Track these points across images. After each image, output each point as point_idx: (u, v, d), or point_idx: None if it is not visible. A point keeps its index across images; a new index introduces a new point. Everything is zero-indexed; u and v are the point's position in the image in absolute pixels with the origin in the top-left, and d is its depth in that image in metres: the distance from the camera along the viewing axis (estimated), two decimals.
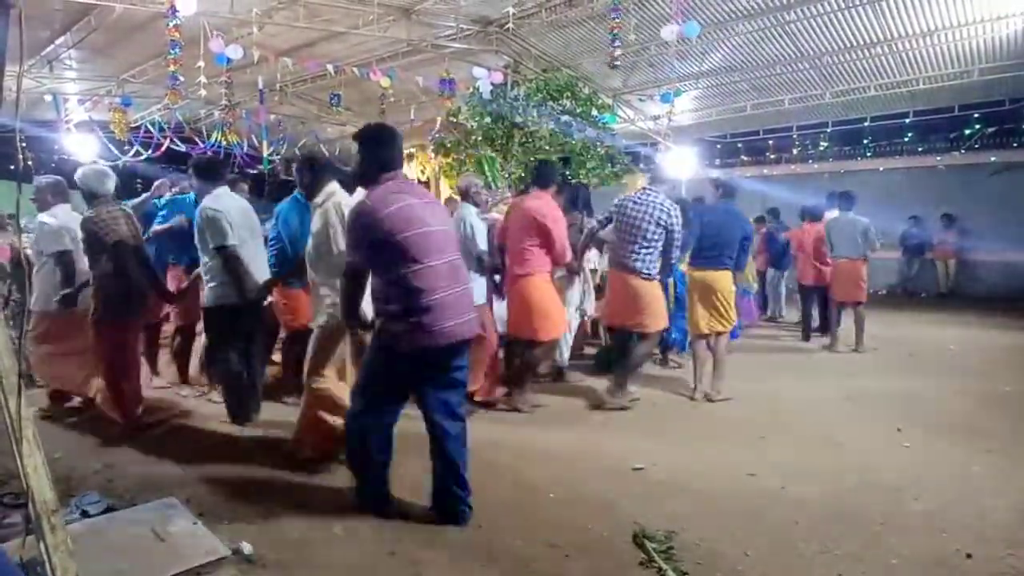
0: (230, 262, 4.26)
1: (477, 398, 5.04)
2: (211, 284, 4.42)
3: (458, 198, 5.53)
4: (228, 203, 4.39)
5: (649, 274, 5.10)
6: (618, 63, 8.46)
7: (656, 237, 5.03)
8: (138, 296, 4.54)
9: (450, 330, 2.98)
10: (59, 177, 5.02)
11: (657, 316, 5.20)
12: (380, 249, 2.92)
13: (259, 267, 4.53)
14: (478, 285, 4.89)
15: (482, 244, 4.99)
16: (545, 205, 5.02)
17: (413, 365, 3.05)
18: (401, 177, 3.13)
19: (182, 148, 13.72)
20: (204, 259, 4.42)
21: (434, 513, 3.20)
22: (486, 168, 9.37)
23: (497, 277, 5.44)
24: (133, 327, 4.66)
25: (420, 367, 3.08)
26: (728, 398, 5.45)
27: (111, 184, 4.61)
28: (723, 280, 5.48)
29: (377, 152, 3.09)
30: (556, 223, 4.96)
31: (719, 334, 5.56)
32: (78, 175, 4.63)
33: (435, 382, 3.13)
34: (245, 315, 4.44)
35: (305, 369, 3.93)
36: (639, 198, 5.15)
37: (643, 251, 5.06)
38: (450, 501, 3.18)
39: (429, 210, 3.06)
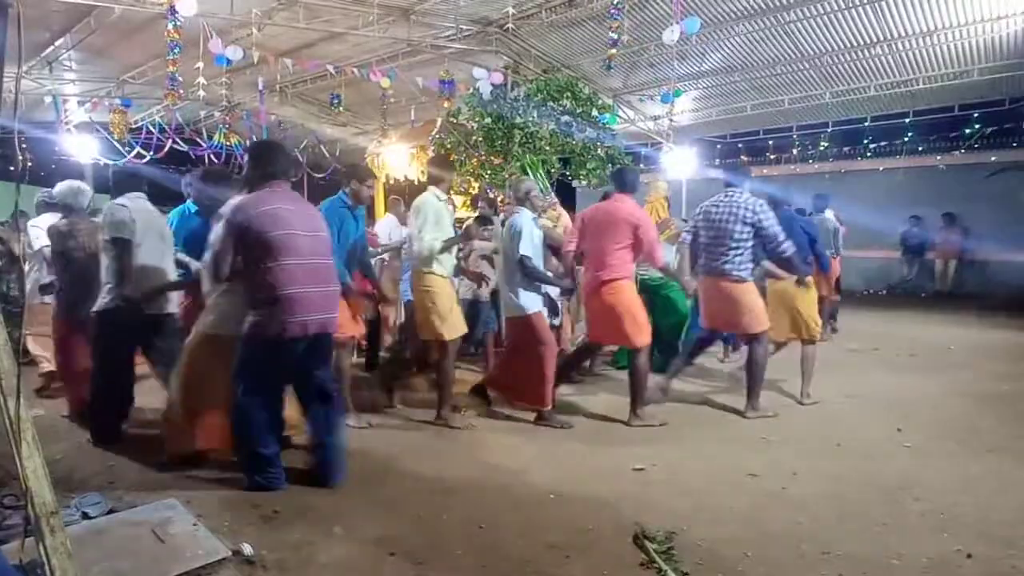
0: (121, 257, 4.14)
1: (538, 407, 4.93)
2: (105, 287, 4.27)
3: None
4: (138, 204, 4.34)
5: (740, 276, 4.97)
6: (612, 66, 8.47)
7: (745, 237, 4.92)
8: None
9: (305, 324, 3.38)
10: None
11: (759, 316, 5.04)
12: (247, 244, 3.32)
13: (160, 274, 4.36)
14: (526, 293, 4.84)
15: (525, 250, 4.79)
16: (636, 208, 5.04)
17: (276, 352, 3.40)
18: (284, 187, 3.55)
19: (184, 148, 13.73)
20: (104, 261, 4.30)
21: (317, 476, 3.64)
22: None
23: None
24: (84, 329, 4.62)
25: (283, 354, 3.42)
26: (815, 401, 5.40)
27: (85, 200, 4.87)
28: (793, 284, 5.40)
29: (262, 163, 3.56)
30: (648, 226, 4.94)
31: (802, 341, 5.50)
32: (56, 190, 4.91)
33: (303, 368, 3.54)
34: (134, 321, 4.21)
35: None
36: (721, 200, 5.07)
37: (732, 252, 4.95)
38: (325, 468, 3.64)
39: (299, 217, 3.45)
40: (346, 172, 4.91)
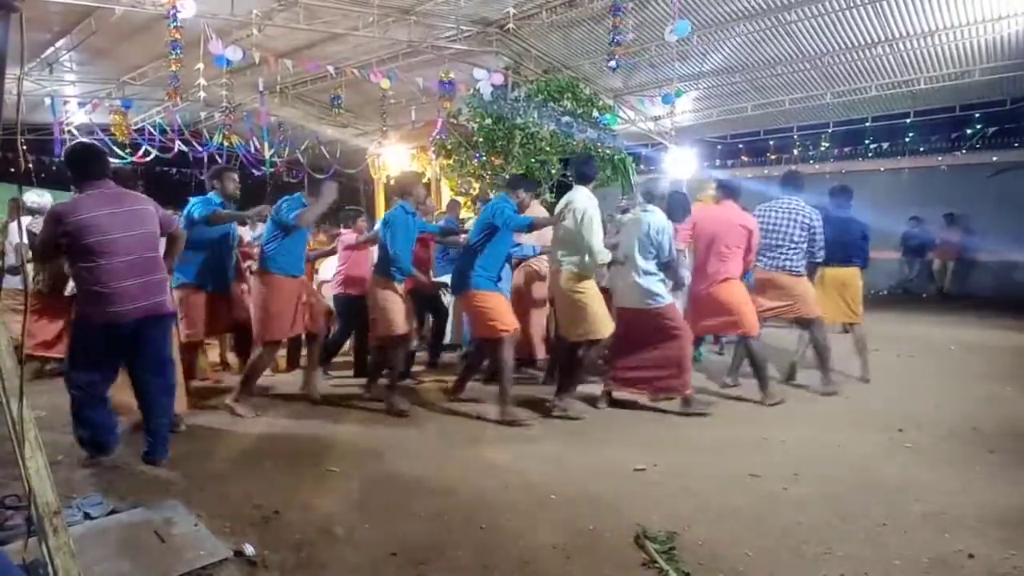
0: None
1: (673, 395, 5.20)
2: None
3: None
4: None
5: (799, 271, 5.65)
6: (615, 65, 8.47)
7: (801, 239, 5.58)
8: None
9: (126, 312, 3.67)
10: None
11: (812, 304, 5.68)
12: (67, 246, 3.62)
13: None
14: (661, 285, 5.09)
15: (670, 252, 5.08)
16: (747, 215, 5.55)
17: (101, 337, 3.71)
18: (106, 186, 3.74)
19: (185, 149, 13.75)
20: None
21: (145, 452, 3.93)
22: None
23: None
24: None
25: (107, 339, 3.72)
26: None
27: (48, 202, 5.54)
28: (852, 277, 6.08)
29: (77, 167, 3.76)
30: (757, 232, 5.50)
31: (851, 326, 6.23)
32: (25, 196, 5.53)
33: (134, 351, 3.83)
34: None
35: None
36: (781, 206, 5.67)
37: (791, 251, 5.60)
38: (151, 445, 3.93)
39: (118, 218, 3.68)
40: (403, 188, 5.39)
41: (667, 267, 5.11)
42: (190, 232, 4.76)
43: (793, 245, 5.58)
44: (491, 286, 5.02)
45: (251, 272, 5.78)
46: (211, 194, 5.30)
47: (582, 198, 4.97)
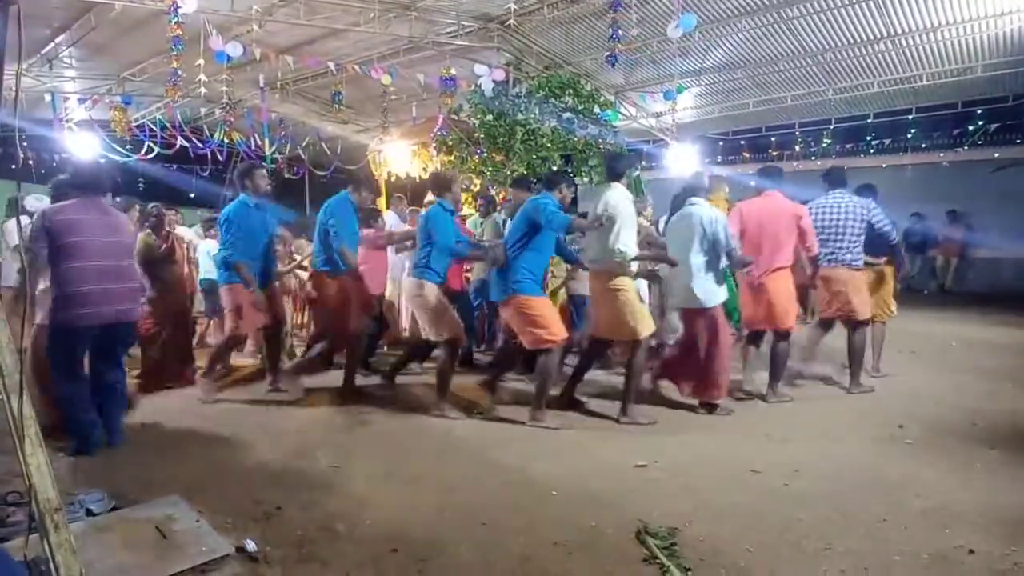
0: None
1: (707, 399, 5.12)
2: None
3: None
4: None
5: (858, 264, 5.68)
6: (615, 59, 8.46)
7: (860, 232, 5.64)
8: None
9: (96, 315, 3.92)
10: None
11: (866, 305, 5.74)
12: (48, 245, 3.83)
13: None
14: (715, 286, 5.06)
15: (731, 242, 5.03)
16: (794, 203, 5.49)
17: (73, 337, 3.95)
18: (94, 200, 4.09)
19: (187, 145, 13.73)
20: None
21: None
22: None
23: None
24: None
25: (79, 339, 3.97)
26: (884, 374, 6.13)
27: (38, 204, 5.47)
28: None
29: (75, 180, 4.22)
30: (808, 217, 5.46)
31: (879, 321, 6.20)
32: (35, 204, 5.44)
33: (102, 351, 4.15)
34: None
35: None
36: (834, 200, 5.72)
37: (850, 244, 5.63)
38: (109, 433, 4.18)
39: (98, 225, 4.00)
40: (441, 185, 5.26)
41: (730, 256, 5.04)
42: (245, 238, 5.08)
43: (854, 239, 5.63)
44: (538, 290, 4.83)
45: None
46: (243, 195, 5.25)
47: (619, 196, 4.89)
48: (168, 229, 6.06)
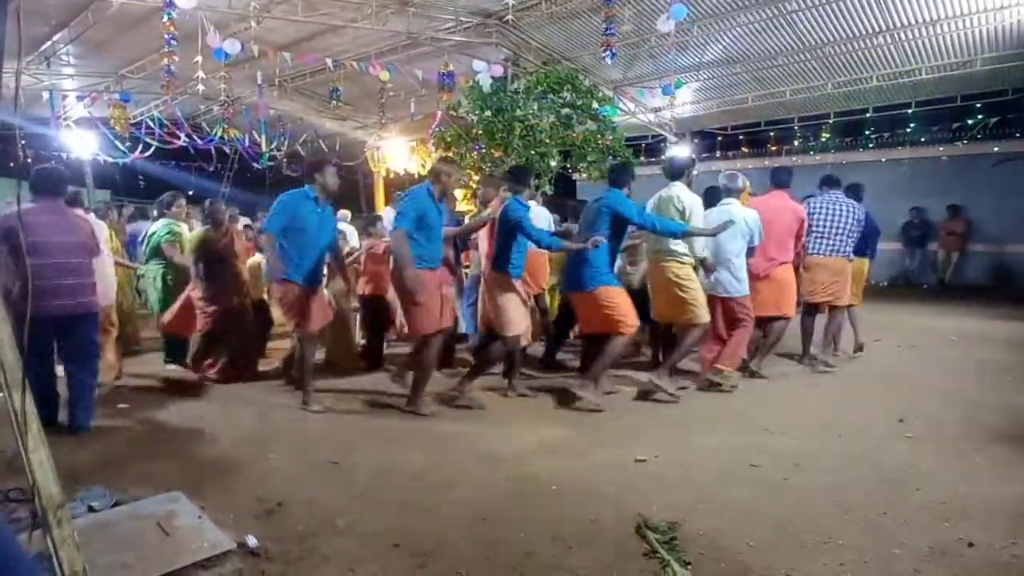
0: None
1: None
2: None
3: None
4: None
5: (851, 257, 6.42)
6: (607, 55, 8.45)
7: (855, 230, 6.30)
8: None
9: (47, 309, 4.24)
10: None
11: (849, 291, 6.48)
12: (9, 245, 4.13)
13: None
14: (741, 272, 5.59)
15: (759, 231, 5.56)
16: (798, 205, 6.13)
17: (39, 329, 4.14)
18: (52, 202, 4.49)
19: (186, 143, 13.71)
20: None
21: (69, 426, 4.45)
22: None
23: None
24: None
25: (39, 329, 4.17)
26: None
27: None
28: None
29: (39, 185, 4.51)
30: (806, 221, 6.10)
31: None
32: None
33: (65, 342, 4.51)
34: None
35: None
36: (834, 199, 6.34)
37: (848, 238, 6.29)
38: (73, 416, 4.48)
39: (54, 227, 4.41)
40: (519, 179, 5.33)
41: (752, 252, 5.64)
42: (301, 232, 4.98)
43: (851, 234, 6.28)
44: (616, 281, 5.17)
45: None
46: (307, 187, 5.15)
47: (686, 194, 5.33)
48: (227, 225, 6.09)
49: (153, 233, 6.33)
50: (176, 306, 6.02)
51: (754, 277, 5.76)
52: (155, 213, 6.88)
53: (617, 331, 5.03)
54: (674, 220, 5.18)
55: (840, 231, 6.25)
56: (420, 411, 4.95)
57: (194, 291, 5.89)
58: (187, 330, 6.12)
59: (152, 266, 6.33)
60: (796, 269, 6.15)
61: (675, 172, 5.48)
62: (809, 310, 6.52)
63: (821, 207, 6.32)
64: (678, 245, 5.26)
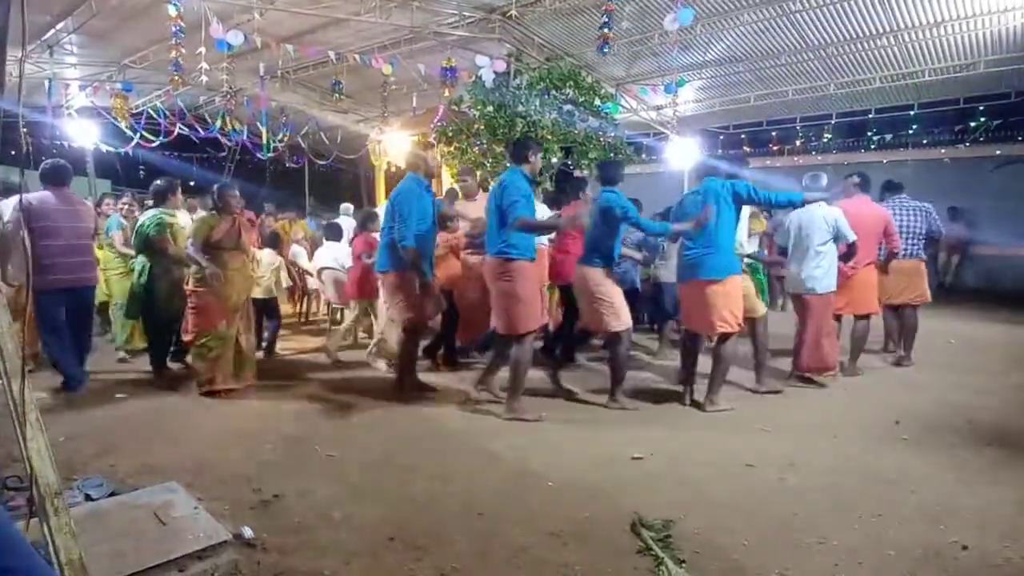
0: None
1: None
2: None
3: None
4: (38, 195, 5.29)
5: (924, 258, 6.64)
6: (607, 49, 8.44)
7: (924, 232, 6.58)
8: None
9: (58, 282, 5.09)
10: None
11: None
12: (29, 229, 4.53)
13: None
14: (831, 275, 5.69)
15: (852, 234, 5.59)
16: (881, 208, 6.35)
17: (50, 300, 5.08)
18: (60, 191, 5.24)
19: (187, 132, 13.68)
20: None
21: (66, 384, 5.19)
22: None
23: None
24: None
25: (54, 301, 5.09)
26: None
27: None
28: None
29: (49, 177, 5.26)
30: (893, 222, 6.21)
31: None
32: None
33: (71, 310, 5.28)
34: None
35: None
36: (907, 203, 6.60)
37: (921, 241, 6.53)
38: (70, 380, 5.23)
39: (63, 213, 5.18)
40: (611, 176, 5.17)
41: (853, 250, 5.72)
42: (421, 221, 4.92)
43: (922, 237, 6.56)
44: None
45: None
46: (414, 175, 5.12)
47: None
48: (235, 214, 5.53)
49: (141, 224, 5.82)
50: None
51: (842, 276, 5.87)
52: (150, 202, 6.71)
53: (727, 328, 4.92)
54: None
55: (913, 234, 6.52)
56: (523, 416, 4.69)
57: (188, 283, 5.36)
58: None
59: (140, 259, 5.86)
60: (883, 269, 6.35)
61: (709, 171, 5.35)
62: (895, 310, 6.76)
63: (897, 211, 6.52)
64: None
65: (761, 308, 5.61)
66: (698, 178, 5.31)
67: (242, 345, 5.41)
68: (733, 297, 4.85)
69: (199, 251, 5.24)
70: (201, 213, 7.27)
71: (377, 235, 6.09)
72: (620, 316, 4.93)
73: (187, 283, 5.35)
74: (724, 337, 4.94)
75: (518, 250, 4.61)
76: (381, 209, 7.74)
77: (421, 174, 5.18)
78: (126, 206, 7.23)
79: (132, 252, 6.19)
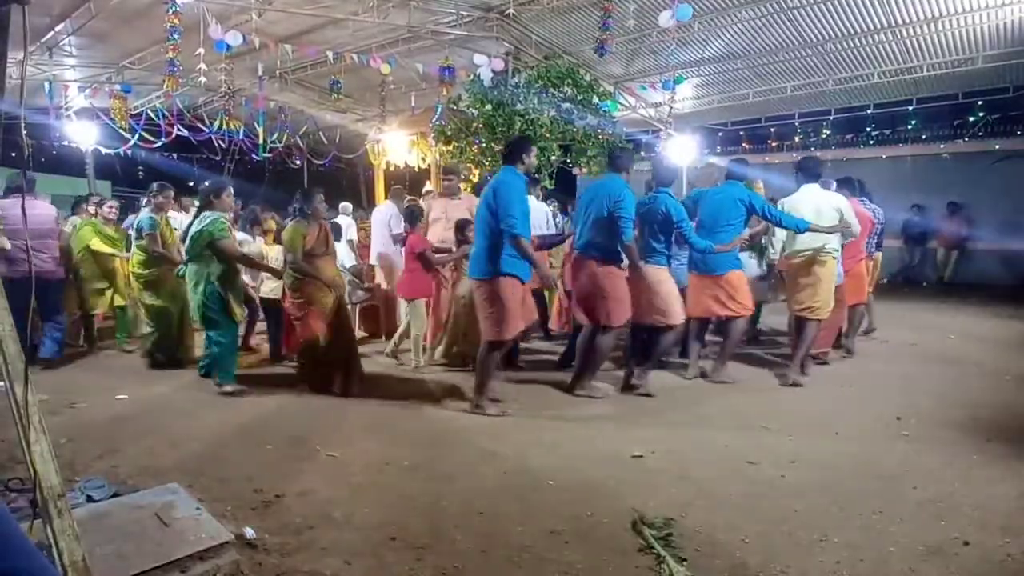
0: None
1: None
2: None
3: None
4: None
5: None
6: (603, 50, 8.45)
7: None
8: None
9: (38, 273, 5.83)
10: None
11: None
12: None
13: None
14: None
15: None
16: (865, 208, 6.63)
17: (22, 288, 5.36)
18: (36, 196, 6.46)
19: (186, 134, 13.68)
20: None
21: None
22: None
23: None
24: None
25: (26, 289, 5.52)
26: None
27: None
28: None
29: (8, 185, 6.14)
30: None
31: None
32: None
33: (40, 296, 5.87)
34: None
35: None
36: (868, 205, 6.81)
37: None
38: (50, 353, 6.21)
39: (37, 217, 6.02)
40: (666, 178, 5.60)
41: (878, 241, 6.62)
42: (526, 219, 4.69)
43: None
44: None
45: None
46: (512, 167, 4.82)
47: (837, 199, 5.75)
48: (321, 219, 5.57)
49: (202, 228, 5.40)
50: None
51: (844, 270, 6.09)
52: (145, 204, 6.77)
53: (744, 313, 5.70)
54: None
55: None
56: (594, 394, 5.24)
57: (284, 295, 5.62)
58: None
59: (195, 267, 5.49)
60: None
61: (813, 175, 5.84)
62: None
63: (875, 210, 6.92)
64: (814, 240, 5.57)
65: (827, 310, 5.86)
66: (722, 179, 5.86)
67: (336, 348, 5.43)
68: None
69: (302, 261, 5.27)
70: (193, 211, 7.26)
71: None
72: (676, 311, 5.29)
73: (282, 295, 5.66)
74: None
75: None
76: (381, 209, 7.76)
77: (521, 168, 4.84)
78: (113, 210, 7.28)
79: (167, 253, 6.14)
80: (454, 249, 6.20)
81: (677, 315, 5.28)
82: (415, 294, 6.29)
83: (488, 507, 3.23)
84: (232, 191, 5.75)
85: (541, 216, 6.90)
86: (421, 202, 7.76)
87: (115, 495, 3.21)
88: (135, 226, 6.38)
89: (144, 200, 7.17)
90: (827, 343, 6.42)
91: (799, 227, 5.40)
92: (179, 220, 7.66)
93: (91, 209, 7.62)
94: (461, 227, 6.10)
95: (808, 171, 5.83)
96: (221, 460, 3.85)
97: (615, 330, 5.23)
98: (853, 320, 6.78)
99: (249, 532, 2.88)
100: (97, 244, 6.80)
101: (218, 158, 15.47)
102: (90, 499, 3.12)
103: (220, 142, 14.06)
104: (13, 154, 2.85)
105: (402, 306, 6.87)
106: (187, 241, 5.51)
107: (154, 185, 6.38)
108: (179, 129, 13.20)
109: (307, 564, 2.70)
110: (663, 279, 5.29)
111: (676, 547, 2.81)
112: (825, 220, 5.53)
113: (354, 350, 5.63)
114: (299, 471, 3.69)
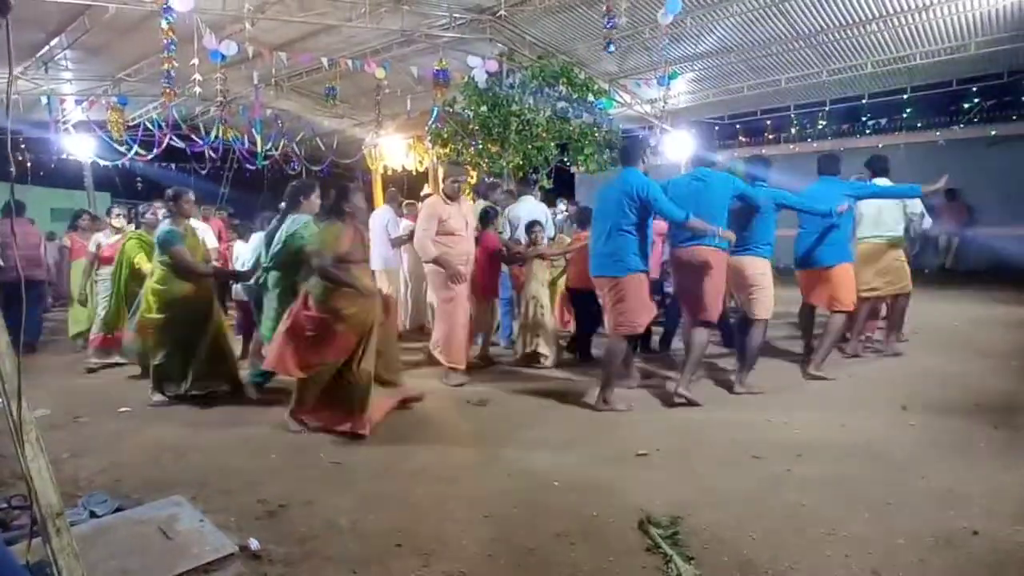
0: None
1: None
2: None
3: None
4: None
5: None
6: (612, 47, 8.44)
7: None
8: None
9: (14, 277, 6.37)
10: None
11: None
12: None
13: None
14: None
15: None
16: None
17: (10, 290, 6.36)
18: (21, 219, 7.25)
19: (180, 145, 13.68)
20: None
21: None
22: None
23: None
24: None
25: (13, 291, 6.09)
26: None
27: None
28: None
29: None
30: None
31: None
32: None
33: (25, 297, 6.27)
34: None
35: None
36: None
37: None
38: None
39: (19, 233, 6.78)
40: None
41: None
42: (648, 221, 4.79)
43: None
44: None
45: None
46: (632, 167, 4.86)
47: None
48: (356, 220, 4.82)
49: (290, 234, 5.03)
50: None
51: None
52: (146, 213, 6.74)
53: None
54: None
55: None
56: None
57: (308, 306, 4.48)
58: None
59: (276, 276, 5.10)
60: None
61: (883, 171, 6.41)
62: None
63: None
64: (888, 228, 6.12)
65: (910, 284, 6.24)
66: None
67: (354, 374, 4.45)
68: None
69: (337, 267, 4.42)
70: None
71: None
72: (768, 305, 5.25)
73: (305, 306, 4.47)
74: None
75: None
76: (378, 213, 7.74)
77: (641, 168, 4.89)
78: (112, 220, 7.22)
79: (203, 269, 5.49)
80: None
81: (769, 309, 5.26)
82: (491, 293, 6.40)
83: (493, 510, 3.21)
84: (318, 192, 5.26)
85: (540, 216, 6.90)
86: (419, 205, 7.75)
87: (118, 509, 3.20)
88: (156, 240, 5.44)
89: (148, 210, 6.88)
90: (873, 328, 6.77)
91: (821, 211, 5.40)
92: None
93: (83, 224, 8.18)
94: (529, 227, 6.49)
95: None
96: (225, 470, 3.83)
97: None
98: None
99: (254, 543, 2.86)
100: (141, 260, 6.20)
101: (213, 168, 15.48)
102: (93, 515, 3.11)
103: (211, 152, 14.04)
104: (11, 169, 2.84)
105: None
106: (273, 246, 5.04)
107: (169, 191, 5.52)
108: (172, 139, 13.19)
109: (313, 574, 2.68)
110: (764, 271, 5.27)
111: (683, 545, 2.79)
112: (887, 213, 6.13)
113: (371, 379, 4.50)
114: (303, 479, 3.67)
